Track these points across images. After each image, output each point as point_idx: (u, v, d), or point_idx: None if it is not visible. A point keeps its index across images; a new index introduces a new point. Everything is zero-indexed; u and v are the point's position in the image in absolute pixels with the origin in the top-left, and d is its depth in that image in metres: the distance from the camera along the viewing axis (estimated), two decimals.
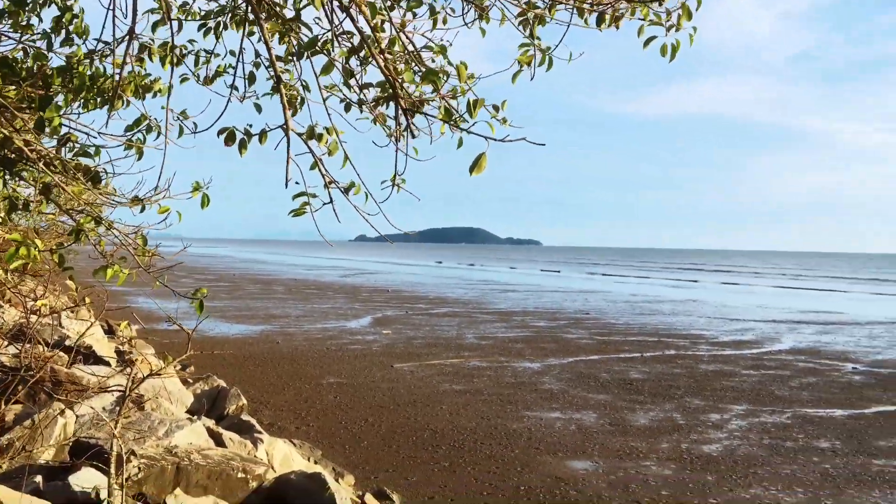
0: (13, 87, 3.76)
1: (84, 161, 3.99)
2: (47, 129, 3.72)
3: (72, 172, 3.94)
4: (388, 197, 3.37)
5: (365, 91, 3.50)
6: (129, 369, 5.75)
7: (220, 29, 3.56)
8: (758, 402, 12.79)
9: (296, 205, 3.21)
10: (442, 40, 3.37)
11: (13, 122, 3.81)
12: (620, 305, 33.48)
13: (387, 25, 3.31)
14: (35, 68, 3.91)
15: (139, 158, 3.96)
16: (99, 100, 3.92)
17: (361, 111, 3.60)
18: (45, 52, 3.99)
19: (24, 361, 6.67)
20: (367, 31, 3.09)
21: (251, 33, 3.42)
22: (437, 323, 24.15)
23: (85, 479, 5.23)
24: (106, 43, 3.73)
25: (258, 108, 3.71)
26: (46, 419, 5.92)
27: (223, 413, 9.41)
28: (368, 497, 7.26)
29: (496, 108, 3.25)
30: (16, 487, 4.88)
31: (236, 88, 3.55)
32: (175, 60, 3.73)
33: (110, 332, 14.32)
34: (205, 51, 3.73)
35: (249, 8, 3.26)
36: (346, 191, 3.27)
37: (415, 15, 3.44)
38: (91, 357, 9.16)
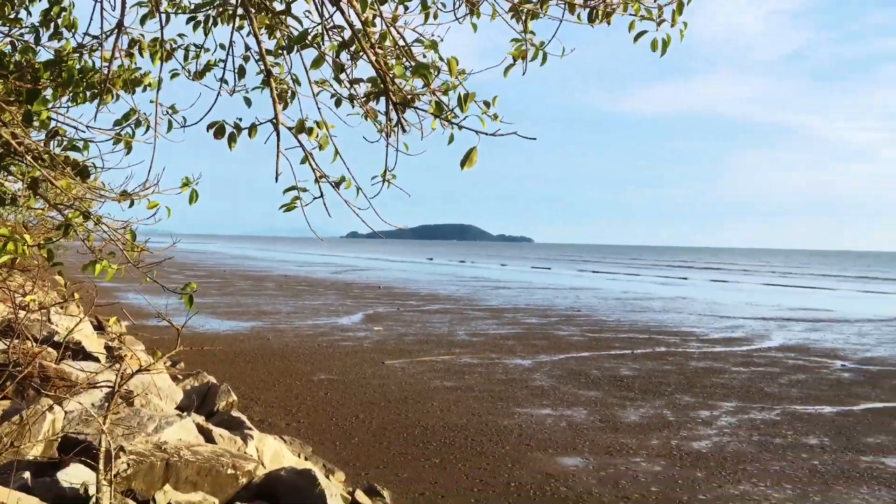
0: (0, 81, 3.73)
1: (72, 155, 3.96)
2: (35, 123, 3.69)
3: (60, 167, 3.91)
4: (378, 192, 3.36)
5: (356, 86, 3.48)
6: (118, 365, 5.72)
7: (210, 24, 3.54)
8: (747, 399, 12.84)
9: (286, 199, 3.20)
10: (433, 35, 3.36)
11: (1, 116, 3.79)
12: (611, 302, 33.56)
13: (378, 20, 3.30)
14: (24, 62, 3.88)
15: (128, 153, 3.94)
16: (88, 94, 3.90)
17: (352, 106, 3.59)
18: (34, 46, 3.96)
19: (12, 357, 6.63)
20: (358, 24, 3.07)
21: (241, 27, 3.40)
22: (428, 320, 24.15)
23: (73, 475, 5.21)
24: (94, 37, 3.70)
25: (248, 101, 3.69)
26: (35, 415, 5.89)
27: (213, 409, 9.37)
28: (359, 493, 7.25)
29: (487, 104, 3.24)
30: (4, 483, 4.85)
31: (226, 82, 3.53)
32: (164, 55, 3.71)
33: (100, 328, 14.26)
34: (194, 45, 3.71)
35: (239, 1, 3.24)
36: (336, 185, 3.25)
37: (406, 9, 3.43)
38: (80, 353, 9.12)
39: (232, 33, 3.32)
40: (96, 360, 9.20)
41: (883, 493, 8.22)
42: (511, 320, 24.69)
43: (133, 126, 3.99)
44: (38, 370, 6.94)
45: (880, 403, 12.87)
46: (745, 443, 10.09)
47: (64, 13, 3.85)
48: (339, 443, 9.63)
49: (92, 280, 5.39)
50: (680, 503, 7.74)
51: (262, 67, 3.38)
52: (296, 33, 3.27)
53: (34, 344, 7.57)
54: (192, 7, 3.50)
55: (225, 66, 3.51)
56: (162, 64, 3.80)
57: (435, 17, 3.45)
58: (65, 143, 3.99)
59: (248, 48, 3.63)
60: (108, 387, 5.97)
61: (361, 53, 3.21)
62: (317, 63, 3.10)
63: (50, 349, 8.09)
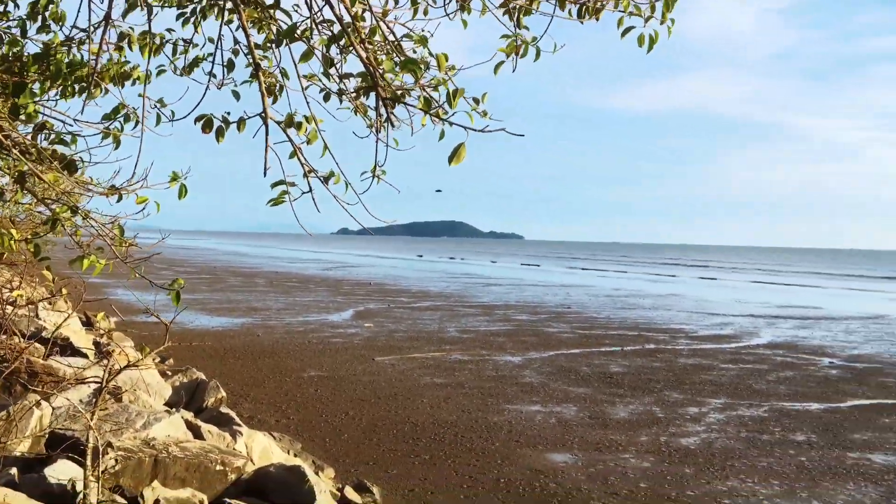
0: None
1: (60, 149, 3.94)
2: (22, 116, 3.66)
3: (47, 161, 3.88)
4: (368, 188, 3.35)
5: (345, 81, 3.47)
6: (105, 361, 5.69)
7: (199, 19, 3.51)
8: (736, 396, 12.91)
9: (274, 194, 3.19)
10: (423, 31, 3.36)
11: None
12: (601, 299, 33.64)
13: (367, 15, 3.29)
14: (10, 55, 3.85)
15: (116, 147, 3.91)
16: (77, 87, 3.87)
17: (341, 101, 3.58)
18: (21, 39, 3.93)
19: None
20: (348, 19, 3.06)
21: (230, 21, 3.38)
22: (419, 316, 24.15)
23: (61, 471, 5.19)
24: (83, 30, 3.67)
25: (236, 95, 3.67)
26: (21, 411, 5.86)
27: (202, 406, 9.35)
28: (348, 490, 7.25)
29: (476, 100, 3.24)
30: None
31: (214, 76, 3.51)
32: (153, 48, 3.68)
33: (88, 323, 14.19)
34: (183, 40, 3.69)
35: None
36: (325, 180, 3.24)
37: (396, 3, 3.42)
38: (68, 349, 9.07)
39: (220, 27, 3.30)
40: (84, 356, 9.15)
41: (869, 489, 8.28)
42: (501, 317, 24.72)
43: (122, 121, 3.96)
44: (26, 366, 6.90)
45: (867, 400, 12.96)
46: (733, 439, 10.14)
47: (51, 6, 3.82)
48: (329, 439, 9.62)
49: (80, 275, 5.37)
50: (668, 499, 7.77)
51: (251, 61, 3.37)
52: (285, 27, 3.26)
53: (21, 339, 7.53)
54: (178, 1, 3.47)
55: (213, 60, 3.49)
56: (150, 57, 3.78)
57: (425, 12, 3.45)
58: (52, 136, 3.96)
59: (236, 42, 3.61)
60: (96, 383, 5.94)
61: (351, 48, 3.20)
62: (306, 57, 3.09)
63: (37, 345, 8.05)
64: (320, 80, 3.53)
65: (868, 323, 26.35)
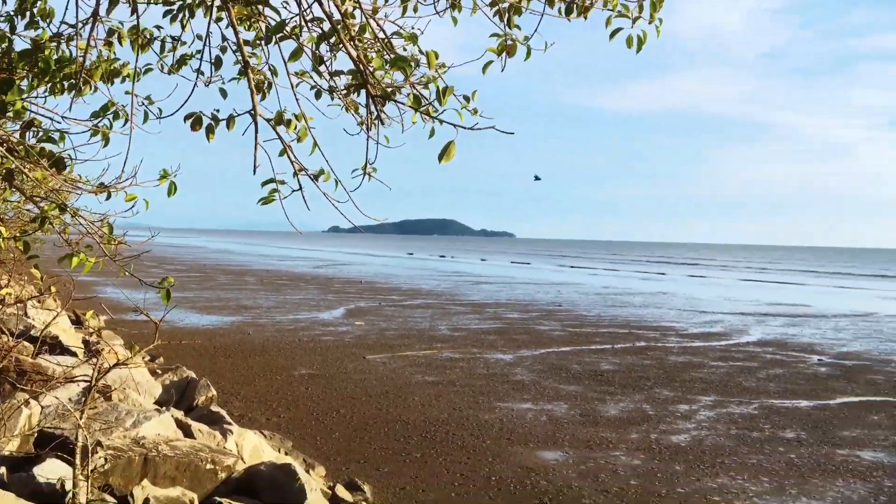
0: None
1: (48, 147, 3.91)
2: (10, 113, 3.63)
3: (36, 158, 3.86)
4: (359, 185, 3.34)
5: (335, 78, 3.46)
6: (95, 359, 5.67)
7: (186, 16, 3.49)
8: (726, 394, 12.96)
9: (264, 192, 3.17)
10: (413, 28, 3.35)
11: None
12: (592, 297, 33.72)
13: (357, 12, 3.28)
14: None
15: (105, 145, 3.89)
16: (66, 84, 3.84)
17: (332, 98, 3.57)
18: (8, 35, 3.90)
19: None
20: (337, 16, 3.05)
21: (219, 19, 3.36)
22: (410, 314, 24.14)
23: (50, 470, 5.16)
24: (70, 25, 3.65)
25: (223, 93, 3.65)
26: (10, 409, 5.83)
27: (192, 404, 9.32)
28: (339, 488, 7.24)
29: (466, 98, 3.24)
30: None
31: (202, 73, 3.50)
32: (142, 43, 3.66)
33: (77, 322, 14.12)
34: (171, 37, 3.67)
35: None
36: (315, 178, 3.24)
37: (386, 1, 3.41)
38: (57, 347, 9.02)
39: (209, 24, 3.28)
40: (74, 354, 9.11)
41: (858, 485, 8.33)
42: (492, 315, 24.74)
43: (111, 118, 3.94)
44: (14, 364, 6.86)
45: (856, 397, 13.04)
46: (723, 436, 10.19)
47: (39, 2, 3.80)
48: (320, 437, 9.61)
49: (69, 274, 5.33)
50: (659, 496, 7.80)
51: (239, 58, 3.35)
52: (274, 24, 3.24)
53: (10, 338, 7.48)
54: None
55: (202, 57, 3.47)
56: (138, 54, 3.76)
57: (415, 10, 3.44)
58: (40, 134, 3.94)
59: (225, 39, 3.60)
60: (86, 381, 5.92)
61: (341, 46, 3.19)
62: (295, 55, 3.08)
63: (26, 343, 8.00)
64: (311, 77, 3.52)
65: (857, 320, 26.51)
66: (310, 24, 3.21)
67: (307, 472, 7.35)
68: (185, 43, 3.67)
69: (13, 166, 3.84)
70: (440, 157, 2.86)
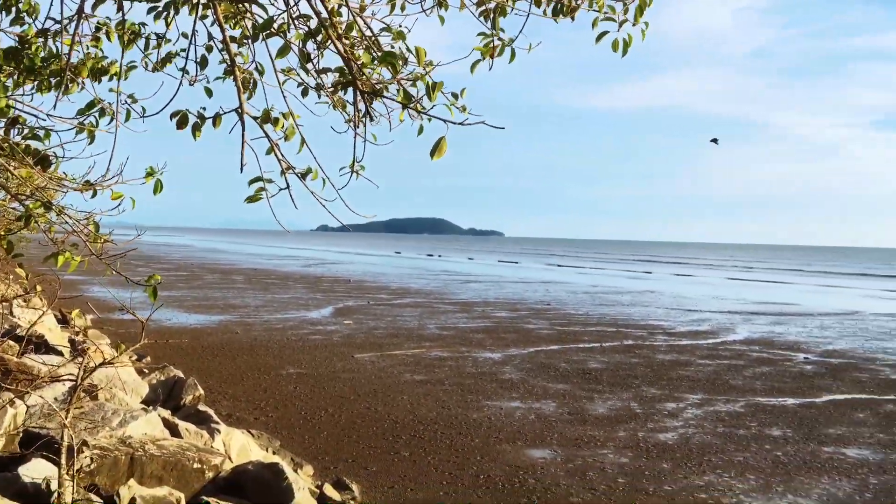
0: None
1: (33, 144, 3.88)
2: None
3: (20, 156, 3.83)
4: (346, 183, 3.34)
5: (323, 75, 3.45)
6: (81, 358, 5.63)
7: (172, 15, 3.47)
8: (713, 392, 13.03)
9: (251, 191, 3.16)
10: (400, 26, 3.34)
11: None
12: (580, 296, 33.80)
13: (344, 10, 3.27)
14: None
15: (91, 142, 3.86)
16: (53, 82, 3.81)
17: (319, 96, 3.56)
18: None
19: None
20: (325, 13, 3.05)
21: (204, 16, 3.34)
22: (398, 313, 24.12)
23: (35, 470, 5.13)
24: (56, 21, 3.62)
25: (209, 92, 3.63)
26: None
27: (180, 403, 9.28)
28: (327, 487, 7.23)
29: (455, 95, 3.23)
30: None
31: (187, 72, 3.48)
32: (128, 40, 3.63)
33: (64, 321, 14.02)
34: (155, 34, 3.64)
35: None
36: (303, 176, 3.23)
37: None
38: (43, 346, 8.96)
39: (195, 21, 3.27)
40: (60, 353, 9.05)
41: (843, 483, 8.39)
42: (481, 314, 24.75)
43: (97, 115, 3.91)
44: None
45: (841, 395, 13.13)
46: (710, 434, 10.24)
47: None
48: (308, 437, 9.59)
49: (55, 272, 5.30)
50: (646, 494, 7.83)
51: (226, 56, 3.34)
52: (261, 22, 3.23)
53: None
54: None
55: (187, 55, 3.45)
56: (124, 51, 3.73)
57: (402, 9, 3.44)
58: (25, 131, 3.91)
59: (211, 37, 3.58)
60: (71, 380, 5.88)
61: (328, 43, 3.18)
62: (282, 52, 3.07)
63: (11, 342, 7.94)
64: (298, 75, 3.50)
65: (843, 319, 26.69)
66: (297, 22, 3.20)
67: (295, 471, 7.33)
68: (169, 40, 3.65)
69: None
70: (432, 153, 2.86)
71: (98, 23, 3.83)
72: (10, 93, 3.82)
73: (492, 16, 3.45)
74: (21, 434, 5.71)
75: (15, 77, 3.83)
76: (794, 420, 11.20)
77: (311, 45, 3.31)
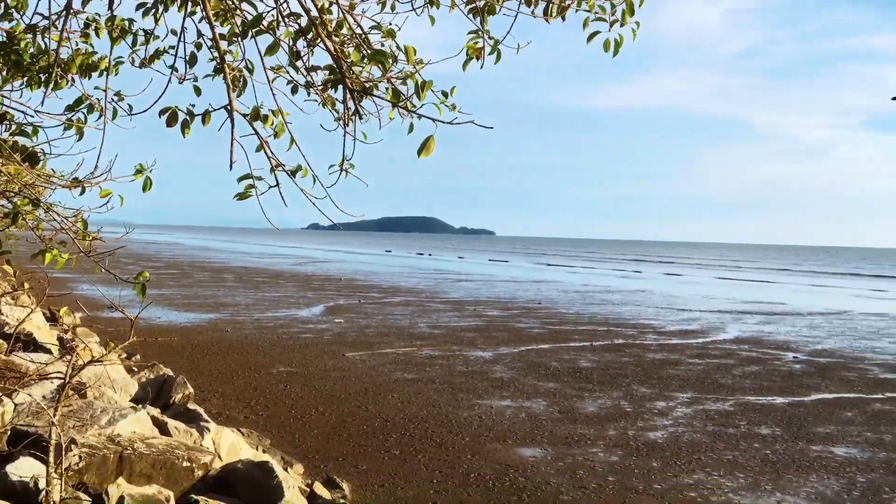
0: None
1: (21, 141, 3.86)
2: None
3: (8, 152, 3.80)
4: (335, 182, 3.33)
5: (312, 73, 3.45)
6: (69, 356, 5.61)
7: (160, 12, 3.45)
8: (702, 390, 13.08)
9: (241, 188, 3.15)
10: (390, 24, 3.34)
11: None
12: (571, 295, 33.86)
13: (334, 7, 3.27)
14: None
15: (79, 139, 3.85)
16: (43, 78, 3.79)
17: (309, 94, 3.55)
18: None
19: None
20: (314, 11, 3.04)
21: (193, 13, 3.33)
22: (389, 312, 24.11)
23: (23, 468, 5.10)
24: (45, 17, 3.60)
25: (197, 90, 3.61)
26: None
27: (169, 402, 9.25)
28: (317, 485, 7.22)
29: (445, 94, 3.23)
30: None
31: (176, 70, 3.46)
32: (116, 35, 3.62)
33: (53, 319, 13.96)
34: (143, 30, 3.62)
35: None
36: (292, 174, 3.22)
37: None
38: (31, 344, 8.92)
39: (184, 19, 3.25)
40: (48, 351, 9.01)
41: (831, 481, 8.44)
42: (472, 312, 24.77)
43: (85, 112, 3.89)
44: None
45: (830, 394, 13.21)
46: (699, 433, 10.28)
47: None
48: (298, 435, 9.58)
49: (43, 270, 5.27)
50: (636, 492, 7.85)
51: (216, 53, 3.33)
52: (250, 19, 3.22)
53: None
54: None
55: (176, 53, 3.44)
56: (112, 47, 3.71)
57: (392, 8, 3.43)
58: (13, 128, 3.89)
59: (200, 34, 3.56)
60: (60, 378, 5.85)
61: (318, 41, 3.18)
62: (272, 49, 3.06)
63: None
64: (287, 72, 3.50)
65: (831, 318, 26.84)
66: (287, 20, 3.19)
67: (285, 469, 7.32)
68: (157, 37, 3.63)
69: None
70: (419, 152, 2.86)
71: (87, 19, 3.82)
72: None
73: (480, 15, 3.45)
74: (9, 432, 5.68)
75: (3, 73, 3.81)
76: (782, 419, 11.25)
77: (300, 43, 3.30)
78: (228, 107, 3.16)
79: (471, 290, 34.84)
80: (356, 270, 49.48)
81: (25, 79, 3.84)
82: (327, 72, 3.31)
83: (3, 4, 3.88)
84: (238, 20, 3.39)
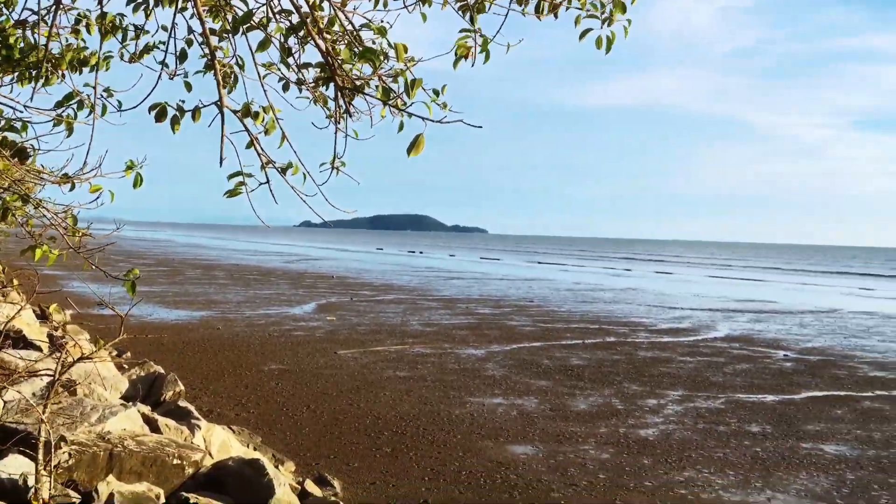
0: None
1: (10, 136, 3.84)
2: None
3: None
4: (327, 179, 3.32)
5: (304, 70, 3.44)
6: (59, 353, 5.58)
7: (151, 7, 3.43)
8: (693, 388, 13.12)
9: (231, 185, 3.14)
10: (382, 22, 3.33)
11: None
12: (563, 293, 33.91)
13: (325, 4, 3.26)
14: None
15: (69, 135, 3.83)
16: (33, 73, 3.77)
17: (300, 91, 3.54)
18: None
19: None
20: (306, 8, 3.03)
21: (184, 9, 3.32)
22: (381, 310, 24.09)
23: (12, 465, 5.08)
24: (34, 12, 3.58)
25: (188, 86, 3.60)
26: None
27: (160, 399, 9.22)
28: (309, 483, 7.22)
29: (436, 92, 3.23)
30: None
31: (167, 66, 3.45)
32: (105, 31, 3.60)
33: (43, 316, 13.89)
34: (134, 25, 3.61)
35: None
36: (283, 171, 3.21)
37: None
38: (21, 341, 8.88)
39: (174, 15, 3.24)
40: (38, 348, 8.97)
41: (821, 478, 8.49)
42: (464, 310, 24.78)
43: (75, 108, 3.88)
44: None
45: (820, 392, 13.27)
46: (690, 430, 10.32)
47: None
48: (290, 433, 9.56)
49: (33, 266, 5.25)
50: (627, 490, 7.88)
51: (206, 50, 3.31)
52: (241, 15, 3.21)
53: None
54: None
55: (167, 48, 3.42)
56: (102, 42, 3.69)
57: (384, 5, 3.42)
58: (2, 123, 3.86)
59: (190, 31, 3.55)
60: (49, 375, 5.83)
61: (309, 38, 3.17)
62: (263, 46, 3.05)
63: None
64: (279, 69, 3.49)
65: (821, 317, 26.97)
66: (278, 16, 3.19)
67: (276, 467, 7.31)
68: (147, 32, 3.62)
69: None
70: (409, 151, 2.85)
71: (78, 14, 3.80)
72: None
73: (470, 12, 3.44)
74: None
75: None
76: (773, 416, 11.30)
77: (292, 40, 3.29)
78: (219, 103, 3.15)
79: (462, 288, 34.85)
80: (348, 268, 49.42)
81: (15, 74, 3.82)
82: (319, 69, 3.30)
83: None
84: (229, 16, 3.38)
